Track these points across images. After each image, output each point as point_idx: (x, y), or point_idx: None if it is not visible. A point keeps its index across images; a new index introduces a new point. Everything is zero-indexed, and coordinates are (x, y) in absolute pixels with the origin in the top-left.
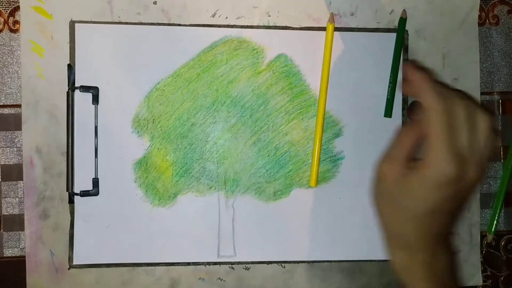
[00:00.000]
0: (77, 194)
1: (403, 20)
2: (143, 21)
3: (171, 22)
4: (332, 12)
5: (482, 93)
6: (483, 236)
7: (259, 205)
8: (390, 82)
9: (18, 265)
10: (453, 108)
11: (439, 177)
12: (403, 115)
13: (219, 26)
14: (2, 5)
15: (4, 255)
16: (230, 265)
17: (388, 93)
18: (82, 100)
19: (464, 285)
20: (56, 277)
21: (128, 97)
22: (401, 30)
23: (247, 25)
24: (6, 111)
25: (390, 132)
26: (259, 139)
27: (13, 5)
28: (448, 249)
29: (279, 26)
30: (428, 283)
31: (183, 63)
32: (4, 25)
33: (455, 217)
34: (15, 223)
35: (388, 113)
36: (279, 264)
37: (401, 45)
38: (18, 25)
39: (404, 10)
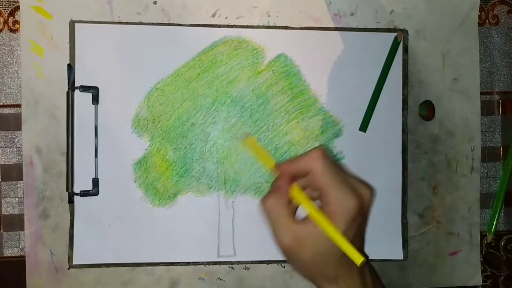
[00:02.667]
0: (77, 194)
1: (396, 42)
2: (143, 21)
3: (171, 22)
4: (401, 30)
5: (482, 93)
6: (483, 236)
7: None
8: (372, 96)
9: (18, 265)
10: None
11: (345, 211)
12: (403, 115)
13: (219, 26)
14: (2, 5)
15: (4, 255)
16: (230, 265)
17: (368, 107)
18: (82, 100)
19: (464, 285)
20: (56, 277)
21: (128, 97)
22: (392, 52)
23: (247, 25)
24: (6, 111)
25: (390, 133)
26: (259, 139)
27: (13, 5)
28: (368, 265)
29: (279, 26)
30: None
31: (183, 63)
32: (4, 25)
33: (362, 234)
34: (15, 223)
35: (363, 127)
36: (279, 264)
37: (390, 64)
38: (18, 25)
39: (400, 32)
